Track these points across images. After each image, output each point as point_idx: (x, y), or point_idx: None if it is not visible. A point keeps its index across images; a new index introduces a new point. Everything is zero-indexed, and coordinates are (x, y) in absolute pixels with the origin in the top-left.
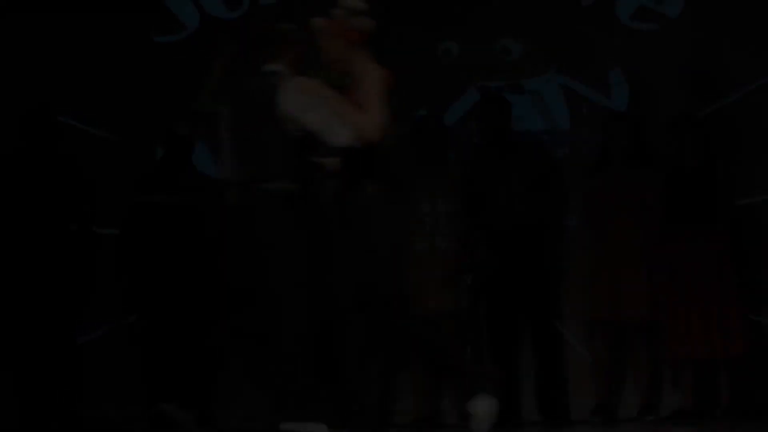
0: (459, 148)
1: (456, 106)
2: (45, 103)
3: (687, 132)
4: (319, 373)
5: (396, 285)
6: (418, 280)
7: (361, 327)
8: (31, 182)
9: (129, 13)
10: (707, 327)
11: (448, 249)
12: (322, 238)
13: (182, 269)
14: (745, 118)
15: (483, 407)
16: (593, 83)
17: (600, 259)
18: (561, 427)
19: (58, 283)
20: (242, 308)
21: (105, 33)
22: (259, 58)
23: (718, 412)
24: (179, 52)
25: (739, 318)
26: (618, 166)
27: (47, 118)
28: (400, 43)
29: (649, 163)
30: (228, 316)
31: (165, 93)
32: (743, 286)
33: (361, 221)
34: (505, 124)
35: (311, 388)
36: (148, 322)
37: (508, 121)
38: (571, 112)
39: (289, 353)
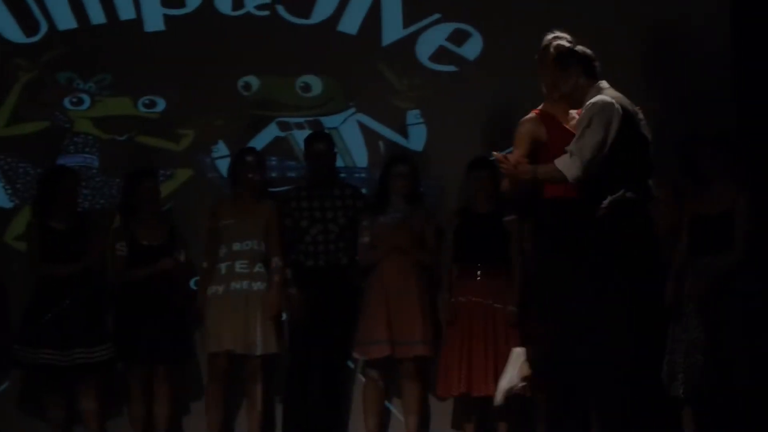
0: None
1: (255, 140)
2: None
3: (480, 175)
4: None
5: None
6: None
7: None
8: None
9: None
10: (483, 365)
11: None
12: None
13: None
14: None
15: None
16: (391, 122)
17: (378, 297)
18: None
19: None
20: None
21: None
22: None
23: None
24: None
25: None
26: (398, 206)
27: None
28: (200, 75)
29: (422, 202)
30: None
31: None
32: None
33: None
34: (331, 162)
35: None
36: None
37: (334, 159)
38: (369, 150)
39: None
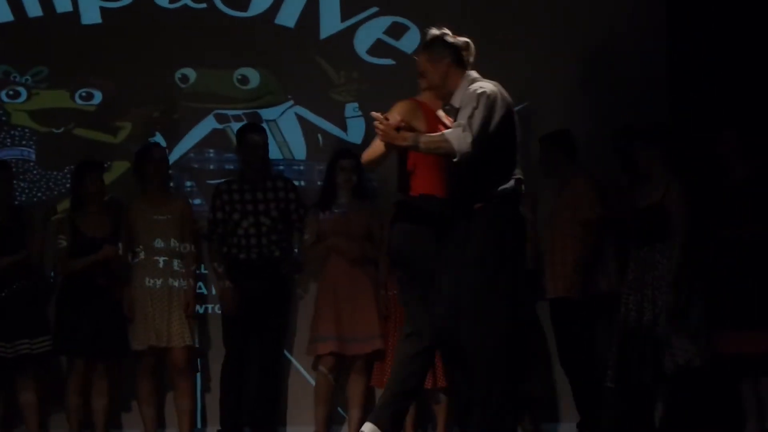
0: (195, 178)
1: (193, 132)
2: None
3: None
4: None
5: None
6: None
7: None
8: None
9: None
10: None
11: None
12: None
13: None
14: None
15: None
16: (330, 115)
17: (326, 294)
18: None
19: None
20: None
21: None
22: None
23: None
24: None
25: None
26: (341, 199)
27: None
28: (137, 68)
29: (368, 197)
30: None
31: None
32: None
33: None
34: (264, 154)
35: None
36: None
37: (266, 150)
38: (308, 143)
39: None
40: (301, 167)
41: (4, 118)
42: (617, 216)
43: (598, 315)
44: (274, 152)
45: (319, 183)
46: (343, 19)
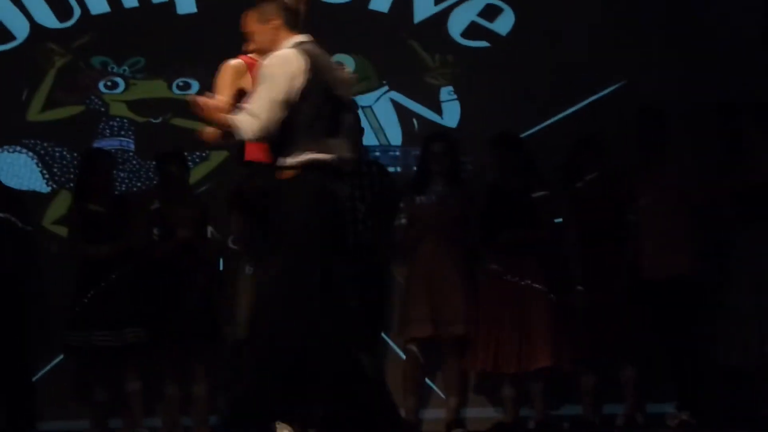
0: None
1: None
2: None
3: (506, 151)
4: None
5: None
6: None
7: None
8: None
9: None
10: (517, 341)
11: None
12: None
13: None
14: (569, 136)
15: None
16: (425, 100)
17: (417, 276)
18: None
19: None
20: None
21: None
22: None
23: (532, 424)
24: (9, 61)
25: (549, 331)
26: (435, 185)
27: None
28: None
29: (463, 181)
30: None
31: None
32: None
33: None
34: (358, 139)
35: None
36: None
37: (360, 135)
38: (403, 129)
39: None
40: (397, 153)
41: (102, 109)
42: (720, 193)
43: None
44: (369, 138)
45: (414, 168)
46: (437, 2)
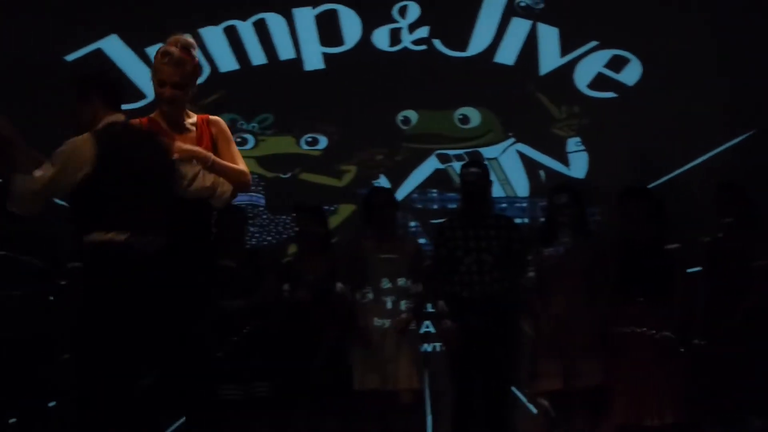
0: (419, 218)
1: (415, 173)
2: None
3: (636, 203)
4: None
5: None
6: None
7: None
8: None
9: None
10: (654, 394)
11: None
12: None
13: None
14: (694, 189)
15: None
16: (551, 151)
17: (548, 329)
18: None
19: None
20: None
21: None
22: None
23: None
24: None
25: (682, 386)
26: (563, 236)
27: None
28: (359, 111)
29: (591, 232)
30: None
31: None
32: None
33: None
34: (485, 190)
35: None
36: None
37: (488, 187)
38: (530, 180)
39: None
40: (524, 204)
41: None
42: None
43: None
44: (496, 190)
45: (542, 219)
46: (563, 54)
